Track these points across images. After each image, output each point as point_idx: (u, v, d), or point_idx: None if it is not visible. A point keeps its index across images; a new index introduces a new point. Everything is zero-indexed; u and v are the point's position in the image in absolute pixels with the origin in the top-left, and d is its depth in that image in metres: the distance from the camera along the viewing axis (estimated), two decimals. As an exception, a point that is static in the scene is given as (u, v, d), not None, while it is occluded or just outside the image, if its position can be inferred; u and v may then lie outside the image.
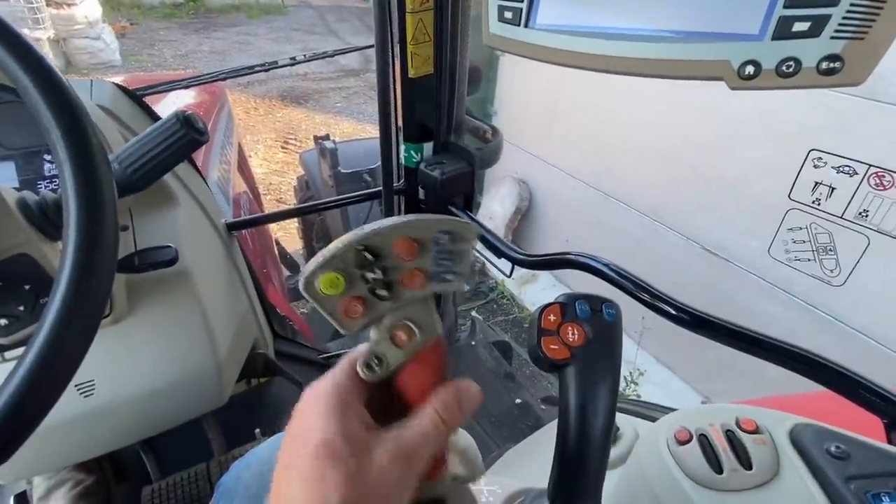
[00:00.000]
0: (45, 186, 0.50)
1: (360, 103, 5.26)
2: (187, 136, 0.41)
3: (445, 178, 0.85)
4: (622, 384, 2.06)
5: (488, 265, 0.78)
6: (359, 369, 0.25)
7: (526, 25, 0.31)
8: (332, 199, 0.87)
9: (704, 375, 1.94)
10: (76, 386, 0.59)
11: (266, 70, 0.77)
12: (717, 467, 0.37)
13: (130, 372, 0.61)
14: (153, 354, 0.61)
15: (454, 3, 0.77)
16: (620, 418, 0.54)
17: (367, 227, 0.24)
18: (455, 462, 0.28)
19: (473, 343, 1.48)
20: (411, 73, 0.79)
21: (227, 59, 6.08)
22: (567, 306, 0.27)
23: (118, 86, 0.65)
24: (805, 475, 0.33)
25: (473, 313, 2.64)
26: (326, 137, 1.58)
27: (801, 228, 1.46)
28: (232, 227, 0.77)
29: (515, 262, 0.75)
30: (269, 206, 3.18)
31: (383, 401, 0.29)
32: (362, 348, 0.26)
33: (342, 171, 1.48)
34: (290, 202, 3.27)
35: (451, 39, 0.81)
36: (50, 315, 0.26)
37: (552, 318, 0.27)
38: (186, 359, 0.64)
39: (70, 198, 0.26)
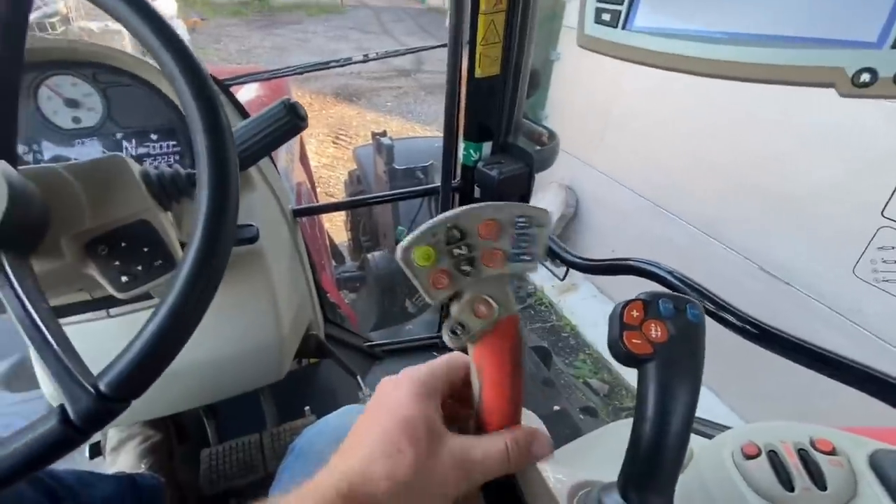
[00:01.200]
0: (149, 163, 0.55)
1: (409, 102, 5.36)
2: (291, 122, 0.45)
3: (503, 178, 0.86)
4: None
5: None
6: (445, 336, 0.28)
7: (624, 27, 0.32)
8: (392, 192, 0.90)
9: (752, 400, 1.84)
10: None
11: (340, 66, 0.81)
12: (789, 485, 0.36)
13: (204, 339, 0.66)
14: (225, 325, 0.66)
15: (525, 5, 0.78)
16: None
17: (457, 209, 0.27)
18: None
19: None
20: (478, 74, 0.81)
21: (286, 56, 6.35)
22: (650, 304, 0.27)
23: (213, 77, 0.71)
24: (886, 502, 0.32)
25: (510, 317, 2.61)
26: (384, 134, 1.63)
27: (893, 248, 1.37)
28: (297, 214, 0.82)
29: (571, 265, 0.75)
30: (320, 199, 3.29)
31: (456, 409, 0.31)
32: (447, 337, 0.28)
33: (396, 167, 1.53)
34: (339, 195, 3.36)
35: (518, 41, 0.82)
36: (188, 264, 0.30)
37: (635, 313, 0.27)
38: (254, 332, 0.68)
39: (204, 170, 0.30)
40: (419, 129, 4.76)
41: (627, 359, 0.26)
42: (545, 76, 2.66)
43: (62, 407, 0.27)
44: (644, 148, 2.18)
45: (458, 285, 0.27)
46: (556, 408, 1.30)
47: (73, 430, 0.27)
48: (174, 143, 0.55)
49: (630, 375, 2.10)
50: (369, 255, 1.60)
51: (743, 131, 1.72)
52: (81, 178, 0.35)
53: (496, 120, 0.89)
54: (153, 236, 0.38)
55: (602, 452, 0.41)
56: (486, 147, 0.91)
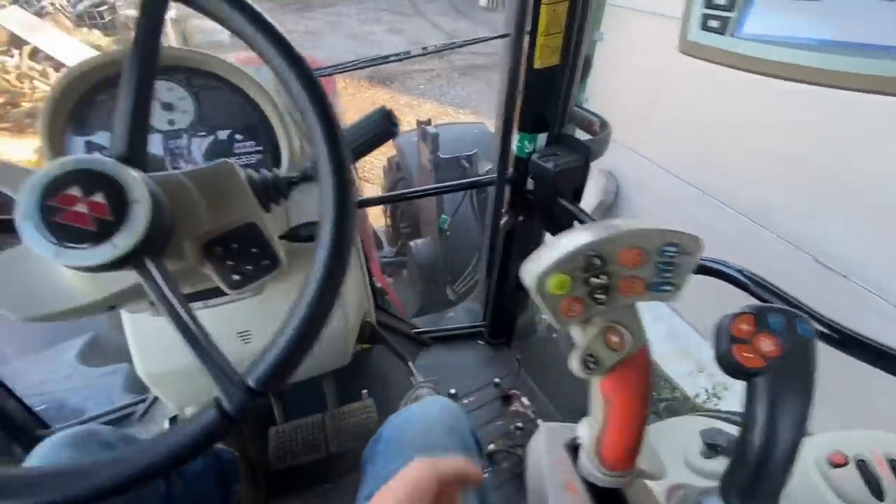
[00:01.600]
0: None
1: (441, 85, 5.30)
2: (386, 129, 0.47)
3: (558, 171, 0.86)
4: (703, 396, 1.96)
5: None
6: (574, 367, 0.27)
7: (732, 34, 0.31)
8: (447, 184, 0.91)
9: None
10: (238, 333, 0.68)
11: (399, 60, 0.82)
12: (879, 495, 0.36)
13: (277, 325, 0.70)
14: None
15: (587, -7, 0.76)
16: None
17: (597, 234, 0.26)
18: (645, 459, 0.30)
19: (555, 336, 1.49)
20: (537, 64, 0.80)
21: (319, 40, 6.37)
22: (759, 317, 0.27)
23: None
24: None
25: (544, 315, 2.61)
26: (428, 122, 1.63)
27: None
28: (361, 204, 0.84)
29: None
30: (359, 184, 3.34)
31: None
32: (574, 358, 0.28)
33: (442, 156, 1.53)
34: (375, 181, 3.40)
35: (578, 31, 0.80)
36: (325, 248, 0.33)
37: (744, 327, 0.27)
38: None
39: (325, 167, 0.33)
40: (452, 113, 4.71)
41: (737, 371, 0.27)
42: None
43: (217, 401, 0.31)
44: (692, 132, 2.10)
45: (590, 313, 0.26)
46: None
47: (227, 421, 0.30)
48: (255, 142, 0.58)
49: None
50: (412, 243, 1.63)
51: (802, 115, 1.62)
52: (198, 184, 0.38)
53: (552, 111, 0.88)
54: (260, 238, 0.41)
55: (662, 449, 0.41)
56: (541, 138, 0.90)
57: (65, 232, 0.29)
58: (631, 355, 0.27)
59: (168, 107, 0.54)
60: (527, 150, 0.91)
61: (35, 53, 4.16)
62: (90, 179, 0.30)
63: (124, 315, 0.64)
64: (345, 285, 0.73)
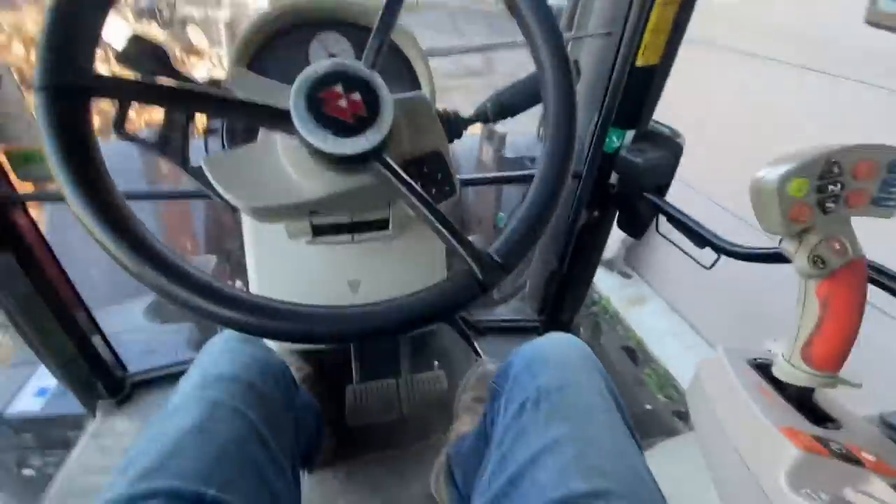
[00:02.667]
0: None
1: (476, 101, 5.43)
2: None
3: (647, 166, 0.89)
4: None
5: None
6: (800, 264, 0.30)
7: (929, 2, 0.34)
8: (529, 171, 0.95)
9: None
10: (349, 282, 0.72)
11: (479, 51, 0.86)
12: None
13: (385, 283, 0.73)
14: (404, 273, 0.73)
15: (695, -6, 0.80)
16: None
17: (834, 145, 0.28)
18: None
19: (601, 343, 1.50)
20: (639, 62, 0.84)
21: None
22: None
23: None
24: None
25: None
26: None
27: None
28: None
29: (724, 252, 0.77)
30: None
31: None
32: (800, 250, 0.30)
33: (507, 155, 1.59)
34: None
35: (679, 32, 0.84)
36: (559, 139, 0.38)
37: None
38: (423, 283, 0.75)
39: (554, 103, 0.37)
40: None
41: None
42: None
43: (470, 271, 0.34)
44: (739, 162, 2.12)
45: (815, 221, 0.29)
46: (648, 407, 1.30)
47: (479, 286, 0.34)
48: (402, 88, 0.63)
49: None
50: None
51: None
52: (404, 109, 0.42)
53: (643, 109, 0.91)
54: (444, 166, 0.45)
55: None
56: (628, 136, 0.94)
57: (328, 122, 0.33)
58: (853, 262, 0.29)
59: (332, 56, 0.59)
60: (614, 146, 0.94)
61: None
62: (350, 80, 0.34)
63: (252, 259, 0.68)
64: (438, 256, 0.77)
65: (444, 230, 0.35)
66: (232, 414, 0.43)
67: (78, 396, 0.98)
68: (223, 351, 0.52)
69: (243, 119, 0.47)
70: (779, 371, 0.32)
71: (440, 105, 0.59)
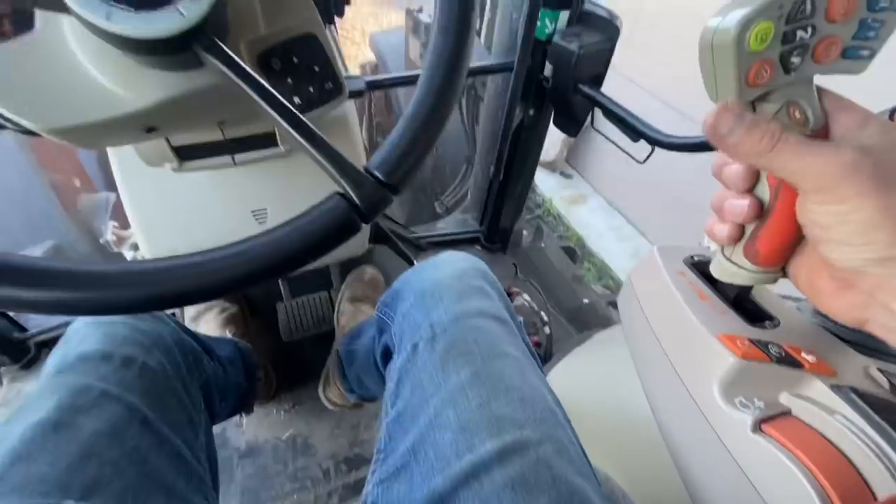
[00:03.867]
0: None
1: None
2: None
3: (583, 54, 0.81)
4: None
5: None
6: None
7: None
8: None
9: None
10: (252, 212, 0.62)
11: None
12: None
13: (298, 206, 0.64)
14: (315, 192, 0.64)
15: None
16: None
17: None
18: None
19: (543, 245, 1.52)
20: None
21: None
22: None
23: None
24: None
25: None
26: (420, 10, 1.47)
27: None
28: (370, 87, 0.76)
29: (658, 143, 0.73)
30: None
31: None
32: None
33: (436, 49, 1.40)
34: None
35: None
36: (451, 31, 0.30)
37: None
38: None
39: None
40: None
41: None
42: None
43: (343, 194, 0.27)
44: (679, 53, 2.06)
45: (775, 83, 0.24)
46: (586, 301, 1.37)
47: (358, 215, 0.27)
48: None
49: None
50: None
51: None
52: None
53: (578, -15, 0.80)
54: (321, 54, 0.35)
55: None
56: (562, 19, 0.84)
57: None
58: (814, 134, 0.24)
59: None
60: (547, 31, 0.84)
61: None
62: None
63: (126, 198, 0.56)
64: (358, 155, 0.68)
65: (301, 139, 0.27)
66: (101, 400, 0.36)
67: (-25, 366, 0.87)
68: (96, 324, 0.43)
69: None
70: (717, 270, 0.29)
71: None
